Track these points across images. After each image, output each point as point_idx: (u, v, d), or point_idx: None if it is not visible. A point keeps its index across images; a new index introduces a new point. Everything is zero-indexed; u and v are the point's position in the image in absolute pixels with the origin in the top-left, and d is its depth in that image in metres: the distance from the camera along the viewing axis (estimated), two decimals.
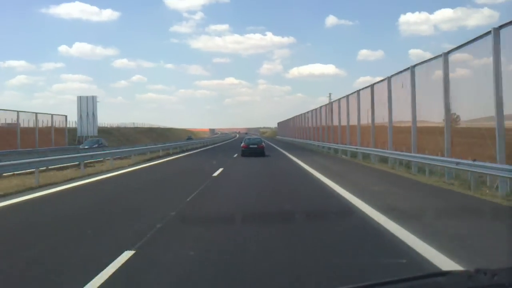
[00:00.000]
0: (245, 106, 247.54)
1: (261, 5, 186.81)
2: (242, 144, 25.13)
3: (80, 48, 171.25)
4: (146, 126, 75.36)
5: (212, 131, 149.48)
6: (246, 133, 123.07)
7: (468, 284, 1.51)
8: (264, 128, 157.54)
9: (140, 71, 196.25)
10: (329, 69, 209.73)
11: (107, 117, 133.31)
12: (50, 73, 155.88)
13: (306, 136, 39.54)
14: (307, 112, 38.91)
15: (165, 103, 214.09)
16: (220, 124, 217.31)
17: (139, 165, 18.68)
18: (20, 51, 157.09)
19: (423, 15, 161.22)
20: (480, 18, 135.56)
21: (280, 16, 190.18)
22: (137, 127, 64.28)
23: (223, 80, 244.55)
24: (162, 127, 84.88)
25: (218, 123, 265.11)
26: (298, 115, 45.11)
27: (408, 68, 14.34)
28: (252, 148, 24.64)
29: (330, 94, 69.51)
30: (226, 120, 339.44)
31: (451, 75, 11.61)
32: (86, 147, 26.66)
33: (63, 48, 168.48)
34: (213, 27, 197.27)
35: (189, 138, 61.63)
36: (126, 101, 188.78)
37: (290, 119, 55.86)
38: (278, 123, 78.05)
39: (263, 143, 25.80)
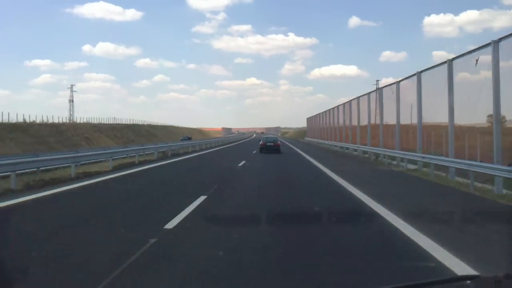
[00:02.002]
0: (265, 106, 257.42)
1: (284, 6, 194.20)
2: (260, 142, 30.20)
3: (104, 47, 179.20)
4: (146, 123, 69.80)
5: (227, 130, 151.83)
6: (262, 133, 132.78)
7: None
8: (285, 128, 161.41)
9: (163, 71, 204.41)
10: (351, 70, 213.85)
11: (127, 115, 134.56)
12: (74, 72, 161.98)
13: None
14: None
15: (187, 103, 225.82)
16: (240, 124, 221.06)
17: None
18: (45, 50, 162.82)
19: (448, 17, 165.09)
20: (507, 20, 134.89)
21: (303, 17, 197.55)
22: (112, 124, 53.30)
23: (244, 81, 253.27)
24: (155, 124, 74.33)
25: (238, 123, 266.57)
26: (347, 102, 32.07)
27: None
28: (269, 145, 29.13)
29: (377, 81, 59.01)
30: (246, 120, 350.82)
31: None
32: None
33: (86, 48, 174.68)
34: (236, 28, 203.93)
35: (184, 139, 54.76)
36: (149, 100, 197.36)
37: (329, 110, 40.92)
38: (308, 119, 63.18)
39: (278, 142, 31.02)
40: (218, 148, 40.71)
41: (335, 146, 33.93)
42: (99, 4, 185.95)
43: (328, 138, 39.54)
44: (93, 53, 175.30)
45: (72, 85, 76.79)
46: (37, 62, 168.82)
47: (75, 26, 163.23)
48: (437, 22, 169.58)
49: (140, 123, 66.06)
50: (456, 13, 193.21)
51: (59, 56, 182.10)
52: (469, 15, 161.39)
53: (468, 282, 1.61)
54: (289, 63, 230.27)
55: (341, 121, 32.87)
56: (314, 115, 53.74)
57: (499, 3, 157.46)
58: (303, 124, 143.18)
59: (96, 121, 50.84)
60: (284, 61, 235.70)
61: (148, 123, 69.84)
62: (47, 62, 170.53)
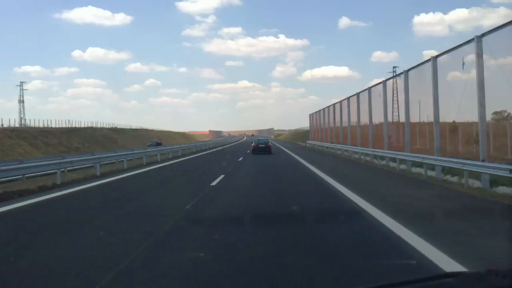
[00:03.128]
0: (258, 109, 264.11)
1: (274, 8, 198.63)
2: (252, 144, 33.30)
3: (94, 52, 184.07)
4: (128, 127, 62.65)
5: (216, 133, 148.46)
6: (252, 135, 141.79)
7: (479, 286, 1.61)
8: (278, 130, 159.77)
9: (154, 75, 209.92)
10: (343, 71, 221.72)
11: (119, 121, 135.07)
12: (64, 78, 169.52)
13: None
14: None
15: (179, 106, 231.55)
16: (233, 127, 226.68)
17: None
18: (35, 57, 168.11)
19: (438, 16, 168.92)
20: (496, 18, 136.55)
21: (293, 18, 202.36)
22: (50, 128, 42.37)
23: (236, 84, 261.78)
24: (120, 127, 62.83)
25: (230, 125, 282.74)
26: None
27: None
28: (261, 147, 31.78)
29: (394, 67, 51.24)
30: (239, 123, 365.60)
31: None
32: None
33: (76, 53, 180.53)
34: (226, 30, 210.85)
35: (151, 145, 45.99)
36: (140, 105, 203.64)
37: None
38: (311, 116, 48.60)
39: (269, 143, 33.68)
40: (197, 155, 33.43)
41: (369, 155, 21.61)
42: (87, 8, 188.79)
43: (350, 142, 28.03)
44: (83, 59, 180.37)
45: (22, 82, 70.51)
46: (27, 68, 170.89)
47: (64, 31, 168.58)
48: (427, 21, 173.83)
49: (117, 126, 57.31)
50: (445, 11, 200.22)
51: (49, 62, 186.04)
52: (458, 14, 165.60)
53: (451, 279, 1.65)
54: (280, 65, 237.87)
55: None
56: (323, 109, 39.88)
57: (488, 1, 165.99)
58: (296, 126, 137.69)
59: (55, 125, 42.36)
60: (275, 63, 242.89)
61: (114, 125, 60.06)
62: (37, 68, 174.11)
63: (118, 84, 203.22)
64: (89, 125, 50.33)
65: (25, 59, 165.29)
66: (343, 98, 29.18)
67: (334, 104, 33.86)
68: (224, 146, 53.98)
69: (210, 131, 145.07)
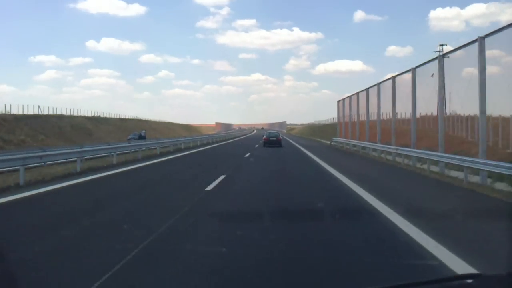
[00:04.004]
0: (270, 102, 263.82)
1: (289, 0, 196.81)
2: (263, 137, 36.28)
3: (108, 43, 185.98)
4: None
5: (225, 126, 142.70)
6: (262, 128, 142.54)
7: None
8: (290, 124, 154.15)
9: (167, 67, 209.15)
10: (357, 65, 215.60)
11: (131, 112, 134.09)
12: (78, 68, 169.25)
13: None
14: None
15: (191, 98, 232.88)
16: (245, 120, 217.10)
17: None
18: (49, 46, 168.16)
19: (454, 10, 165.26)
20: None
21: (308, 11, 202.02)
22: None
23: (249, 76, 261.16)
24: (101, 116, 54.06)
25: (242, 119, 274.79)
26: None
27: None
28: (272, 140, 33.86)
29: (441, 46, 43.16)
30: (251, 116, 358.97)
31: None
32: None
33: (90, 43, 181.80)
34: (240, 22, 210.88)
35: (133, 138, 38.57)
36: (153, 96, 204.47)
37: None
38: (340, 103, 36.52)
39: (280, 136, 36.60)
40: (185, 153, 25.89)
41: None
42: None
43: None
44: (97, 49, 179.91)
45: None
46: (42, 57, 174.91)
47: (79, 21, 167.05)
48: (443, 16, 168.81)
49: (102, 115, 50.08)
50: (462, 6, 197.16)
51: (63, 51, 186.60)
52: (476, 9, 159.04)
53: (470, 281, 1.60)
54: (294, 58, 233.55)
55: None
56: (365, 90, 27.26)
57: None
58: (308, 120, 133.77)
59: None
60: (289, 56, 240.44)
61: (100, 114, 52.67)
62: (51, 57, 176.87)
63: (131, 75, 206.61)
64: (71, 114, 42.77)
65: (40, 49, 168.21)
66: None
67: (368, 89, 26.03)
68: (226, 142, 46.70)
69: (216, 123, 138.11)
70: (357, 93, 29.52)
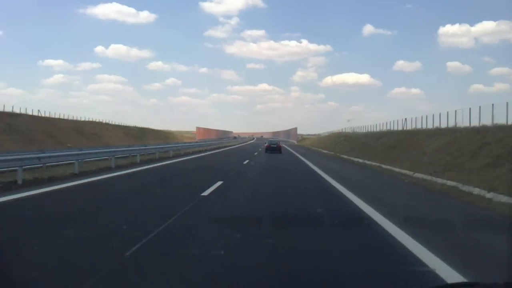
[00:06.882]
0: (276, 112, 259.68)
1: (298, 12, 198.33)
2: (265, 144, 43.52)
3: (116, 49, 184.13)
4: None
5: (224, 133, 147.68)
6: (261, 137, 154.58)
7: None
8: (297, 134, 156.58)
9: (175, 74, 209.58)
10: (364, 78, 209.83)
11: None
12: (86, 73, 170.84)
13: None
14: None
15: (198, 106, 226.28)
16: (250, 129, 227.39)
17: None
18: (58, 51, 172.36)
19: (464, 27, 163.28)
20: None
21: (317, 24, 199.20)
22: None
23: (256, 86, 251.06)
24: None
25: (247, 127, 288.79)
26: None
27: None
28: (273, 147, 40.73)
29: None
30: (256, 125, 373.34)
31: None
32: None
33: (99, 49, 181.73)
34: (249, 33, 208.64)
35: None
36: (160, 103, 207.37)
37: None
38: None
39: (280, 144, 43.79)
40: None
41: None
42: (112, 5, 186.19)
43: None
44: (105, 55, 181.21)
45: None
46: (50, 62, 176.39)
47: (88, 27, 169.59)
48: (452, 32, 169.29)
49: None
50: (472, 23, 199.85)
51: (71, 56, 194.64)
52: (485, 26, 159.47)
53: None
54: (301, 70, 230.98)
55: None
56: None
57: None
58: (315, 131, 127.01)
59: None
60: (296, 68, 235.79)
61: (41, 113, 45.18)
62: (59, 62, 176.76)
63: (139, 82, 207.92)
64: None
65: (48, 53, 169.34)
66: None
67: None
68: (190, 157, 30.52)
69: (198, 128, 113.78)
70: None
